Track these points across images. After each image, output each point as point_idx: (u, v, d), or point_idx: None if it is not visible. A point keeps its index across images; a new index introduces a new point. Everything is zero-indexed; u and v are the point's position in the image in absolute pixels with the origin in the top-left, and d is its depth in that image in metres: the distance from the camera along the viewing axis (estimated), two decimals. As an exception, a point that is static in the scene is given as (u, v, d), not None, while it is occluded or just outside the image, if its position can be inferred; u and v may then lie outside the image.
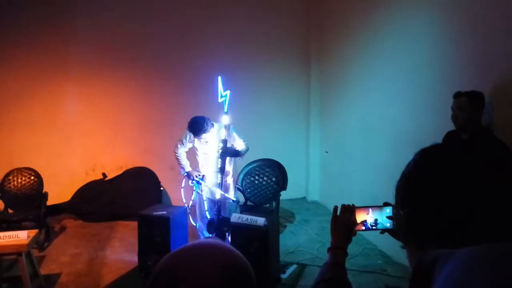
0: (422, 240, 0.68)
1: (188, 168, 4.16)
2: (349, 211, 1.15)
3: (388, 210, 1.12)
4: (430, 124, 3.50)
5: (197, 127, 3.83)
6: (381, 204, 1.14)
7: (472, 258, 0.53)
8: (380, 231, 1.15)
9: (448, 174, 0.67)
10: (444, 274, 0.53)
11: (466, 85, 2.87)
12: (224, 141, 3.89)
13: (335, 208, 1.17)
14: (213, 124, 3.95)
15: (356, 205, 1.16)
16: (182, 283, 0.66)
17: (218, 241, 0.79)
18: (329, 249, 1.12)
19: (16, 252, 3.27)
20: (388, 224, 1.12)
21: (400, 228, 0.74)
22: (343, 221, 1.14)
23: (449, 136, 2.95)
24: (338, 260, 1.08)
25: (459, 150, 0.71)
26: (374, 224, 1.14)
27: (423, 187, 0.69)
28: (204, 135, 3.90)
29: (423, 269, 0.58)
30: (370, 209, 1.14)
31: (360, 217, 1.14)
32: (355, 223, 1.14)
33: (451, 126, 2.92)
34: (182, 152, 4.15)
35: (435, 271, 0.55)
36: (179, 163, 4.17)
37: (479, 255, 0.54)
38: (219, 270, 0.69)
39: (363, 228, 1.14)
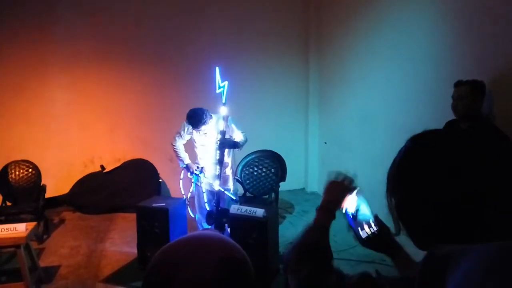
0: (413, 229, 0.67)
1: (187, 161, 4.12)
2: (349, 180, 1.10)
3: (371, 220, 1.09)
4: (429, 115, 3.48)
5: (196, 119, 3.77)
6: (374, 213, 1.11)
7: (487, 259, 0.50)
8: (349, 228, 1.12)
9: (437, 160, 0.65)
10: (458, 275, 0.51)
11: (465, 76, 2.84)
12: (222, 133, 3.85)
13: (333, 173, 1.12)
14: (211, 116, 3.90)
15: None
16: (177, 274, 0.65)
17: (216, 232, 0.77)
18: (318, 209, 1.06)
19: (15, 244, 3.27)
20: (363, 231, 1.09)
21: (392, 216, 0.73)
22: (342, 185, 1.10)
23: (448, 125, 2.92)
24: (325, 223, 1.02)
25: (454, 138, 0.70)
26: (354, 215, 1.11)
27: (413, 174, 0.68)
28: (203, 127, 3.85)
29: (433, 270, 0.55)
30: (361, 205, 1.11)
31: (347, 202, 1.11)
32: (352, 190, 1.10)
33: (450, 117, 2.90)
34: (180, 144, 4.11)
35: (447, 271, 0.52)
36: (178, 156, 4.13)
37: (493, 256, 0.51)
38: (215, 262, 0.67)
39: (344, 211, 1.11)
